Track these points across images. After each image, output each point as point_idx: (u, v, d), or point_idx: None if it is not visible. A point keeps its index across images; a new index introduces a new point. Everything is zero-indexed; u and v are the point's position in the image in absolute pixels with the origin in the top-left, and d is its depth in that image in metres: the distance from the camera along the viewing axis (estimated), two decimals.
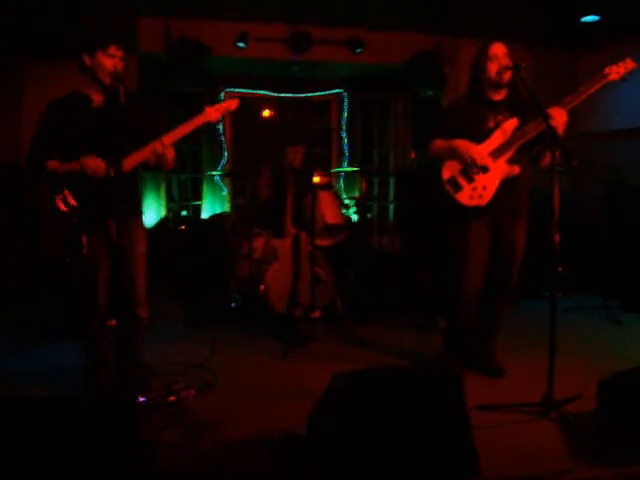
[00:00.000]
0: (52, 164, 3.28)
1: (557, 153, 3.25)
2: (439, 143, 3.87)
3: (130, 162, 3.27)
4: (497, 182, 3.69)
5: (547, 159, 3.66)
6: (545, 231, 3.35)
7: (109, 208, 3.21)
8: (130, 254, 3.41)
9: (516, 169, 3.68)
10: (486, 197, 3.70)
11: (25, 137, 6.03)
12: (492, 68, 3.67)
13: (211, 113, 3.43)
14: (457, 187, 3.77)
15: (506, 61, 3.63)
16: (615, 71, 3.55)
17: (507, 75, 3.65)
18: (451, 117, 3.96)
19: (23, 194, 5.77)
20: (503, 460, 2.88)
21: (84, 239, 3.25)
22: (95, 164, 3.23)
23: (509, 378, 3.96)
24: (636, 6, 5.53)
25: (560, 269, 3.30)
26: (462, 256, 3.83)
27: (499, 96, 3.78)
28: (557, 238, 3.29)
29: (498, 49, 3.68)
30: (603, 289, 5.74)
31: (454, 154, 3.76)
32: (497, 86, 3.73)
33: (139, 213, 3.59)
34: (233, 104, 3.51)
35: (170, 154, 3.37)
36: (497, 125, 3.71)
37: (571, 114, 3.57)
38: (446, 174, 3.83)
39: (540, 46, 6.89)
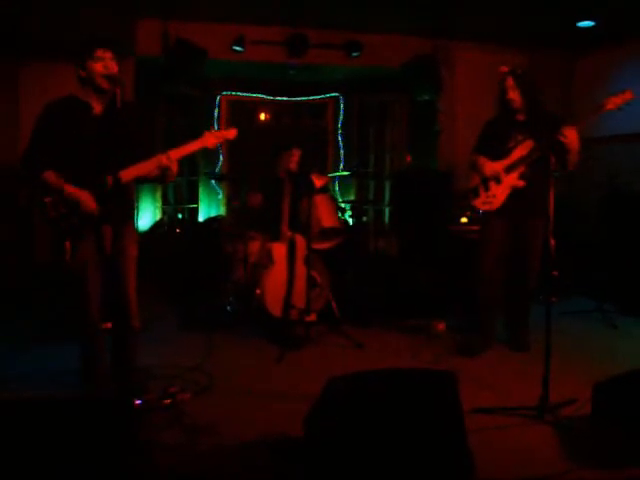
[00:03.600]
0: (49, 175, 3.22)
1: (552, 159, 3.32)
2: (473, 157, 4.59)
3: (131, 173, 3.28)
4: (506, 192, 4.39)
5: (565, 164, 4.20)
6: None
7: (101, 216, 3.22)
8: (121, 258, 3.41)
9: (521, 183, 4.33)
10: (495, 204, 4.42)
11: (23, 138, 6.03)
12: (504, 97, 4.35)
13: (209, 139, 3.46)
14: (476, 194, 4.53)
15: (511, 93, 4.30)
16: (613, 102, 3.88)
17: (514, 104, 4.31)
18: (485, 134, 4.64)
19: (20, 195, 5.76)
20: (498, 463, 2.89)
21: (67, 245, 3.24)
22: (87, 202, 3.22)
23: (505, 381, 3.97)
24: (632, 11, 5.56)
25: (555, 273, 3.32)
26: (480, 246, 4.59)
27: (521, 117, 4.39)
28: (553, 242, 3.31)
29: (508, 83, 4.31)
30: (599, 293, 5.75)
31: (477, 168, 4.51)
32: (513, 110, 4.35)
33: (131, 218, 3.59)
34: (231, 133, 3.58)
35: (175, 168, 3.36)
36: (516, 145, 4.36)
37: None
38: (472, 183, 4.60)
39: (537, 50, 6.91)
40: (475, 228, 5.36)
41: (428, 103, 7.28)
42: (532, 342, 4.49)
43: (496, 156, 4.41)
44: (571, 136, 3.99)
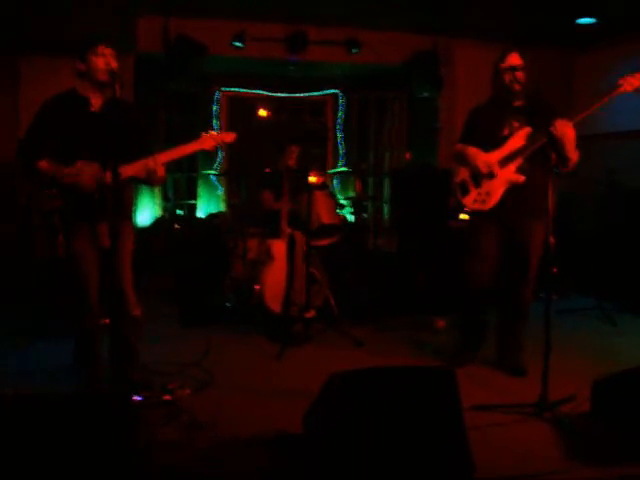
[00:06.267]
0: (43, 164, 3.25)
1: (553, 155, 3.29)
2: (459, 147, 4.08)
3: (124, 172, 3.26)
4: (502, 189, 3.83)
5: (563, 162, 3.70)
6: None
7: (96, 212, 3.22)
8: (117, 252, 3.40)
9: (521, 178, 3.79)
10: (489, 203, 3.85)
11: (23, 133, 6.03)
12: (507, 77, 3.82)
13: (207, 140, 3.44)
14: (465, 191, 3.99)
15: (520, 74, 3.79)
16: (629, 82, 3.35)
17: (518, 86, 3.81)
18: (472, 122, 4.11)
19: (19, 193, 5.75)
20: (497, 460, 2.89)
21: (60, 239, 3.26)
22: (85, 180, 3.22)
23: (504, 379, 3.98)
24: (631, 8, 5.56)
25: (555, 270, 3.32)
26: (470, 254, 4.05)
27: (518, 102, 3.90)
28: (552, 240, 3.30)
29: (513, 60, 3.81)
30: (598, 290, 5.75)
31: (467, 160, 3.97)
32: (513, 93, 3.86)
33: (128, 216, 3.62)
34: (229, 137, 3.54)
35: (160, 172, 3.34)
36: (511, 133, 3.85)
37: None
38: (458, 177, 4.05)
39: (536, 47, 6.89)
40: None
41: (428, 100, 7.28)
42: (532, 340, 4.18)
43: (487, 147, 3.89)
44: (563, 129, 3.46)
